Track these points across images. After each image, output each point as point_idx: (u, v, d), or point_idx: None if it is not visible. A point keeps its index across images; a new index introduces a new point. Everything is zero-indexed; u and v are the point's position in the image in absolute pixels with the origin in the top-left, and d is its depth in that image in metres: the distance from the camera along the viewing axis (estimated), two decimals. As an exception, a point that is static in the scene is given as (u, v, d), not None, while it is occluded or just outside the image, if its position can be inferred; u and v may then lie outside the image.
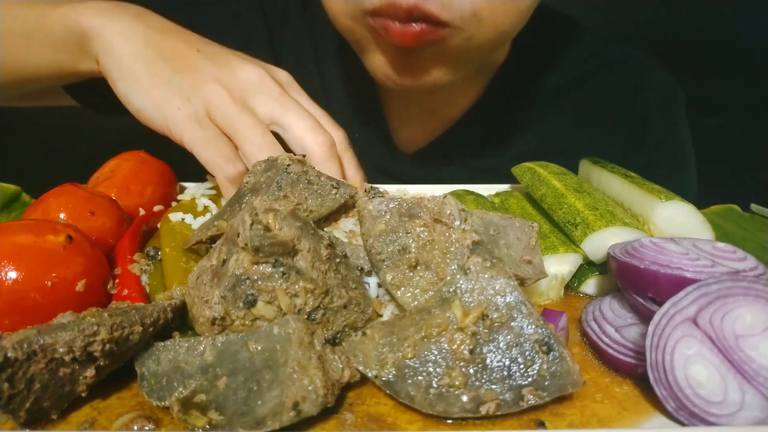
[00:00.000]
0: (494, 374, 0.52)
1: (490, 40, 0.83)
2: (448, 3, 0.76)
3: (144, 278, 0.66)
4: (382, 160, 1.17)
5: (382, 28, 0.80)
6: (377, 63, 0.89)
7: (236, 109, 0.77)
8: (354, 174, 0.86)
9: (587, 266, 0.73)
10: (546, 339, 0.53)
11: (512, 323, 0.54)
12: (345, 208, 0.74)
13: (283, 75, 0.85)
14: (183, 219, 0.75)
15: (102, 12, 0.81)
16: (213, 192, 0.84)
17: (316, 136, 0.78)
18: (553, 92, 1.15)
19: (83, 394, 0.50)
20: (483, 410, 0.50)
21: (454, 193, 0.90)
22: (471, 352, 0.53)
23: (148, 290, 0.65)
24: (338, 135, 0.84)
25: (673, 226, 0.72)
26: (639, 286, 0.59)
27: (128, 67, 0.78)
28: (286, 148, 0.80)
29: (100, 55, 0.80)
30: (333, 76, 1.14)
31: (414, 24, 0.77)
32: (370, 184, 0.84)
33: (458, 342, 0.53)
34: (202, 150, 0.75)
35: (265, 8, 1.13)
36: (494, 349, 0.53)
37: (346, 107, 1.14)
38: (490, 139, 1.15)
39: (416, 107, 1.14)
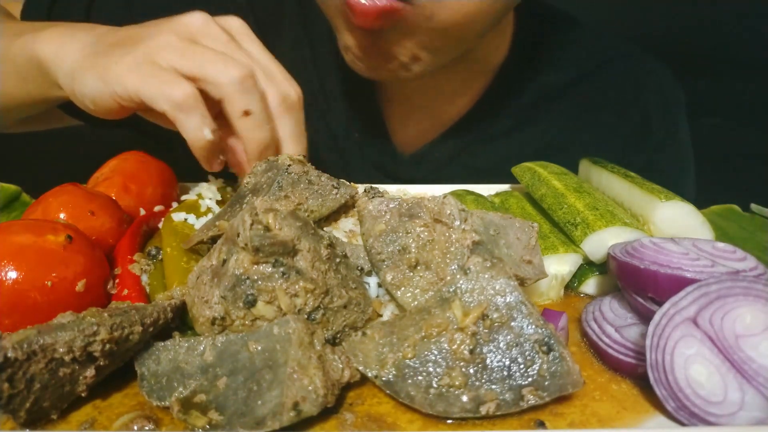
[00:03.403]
0: (494, 374, 0.52)
1: (456, 22, 0.81)
2: None
3: (144, 278, 0.66)
4: (381, 161, 1.16)
5: (345, 5, 0.78)
6: (347, 44, 0.88)
7: (187, 47, 0.71)
8: (290, 137, 0.77)
9: (587, 266, 0.73)
10: (546, 339, 0.53)
11: (512, 323, 0.54)
12: (345, 208, 0.74)
13: (235, 21, 0.79)
14: (186, 219, 0.75)
15: (56, 38, 0.78)
16: (218, 195, 0.84)
17: (229, 68, 0.70)
18: (554, 91, 1.14)
19: (83, 394, 0.51)
20: (483, 410, 0.50)
21: (454, 193, 0.90)
22: (471, 352, 0.53)
23: (148, 290, 0.65)
24: (288, 90, 0.76)
25: (673, 226, 0.72)
26: (639, 286, 0.59)
27: (72, 69, 0.75)
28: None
29: (59, 80, 0.77)
30: (330, 75, 1.13)
31: (377, 1, 0.75)
32: (369, 184, 0.84)
33: (458, 342, 0.53)
34: (142, 85, 0.69)
35: (254, 7, 1.11)
36: (494, 349, 0.53)
37: (345, 107, 1.13)
38: (489, 139, 1.14)
39: (414, 107, 1.13)
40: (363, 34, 0.83)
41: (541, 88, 1.13)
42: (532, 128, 1.14)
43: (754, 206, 0.90)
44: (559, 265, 0.70)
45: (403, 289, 0.60)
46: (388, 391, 0.52)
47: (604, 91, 1.15)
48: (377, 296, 0.64)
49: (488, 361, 0.53)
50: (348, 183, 0.75)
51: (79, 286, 0.57)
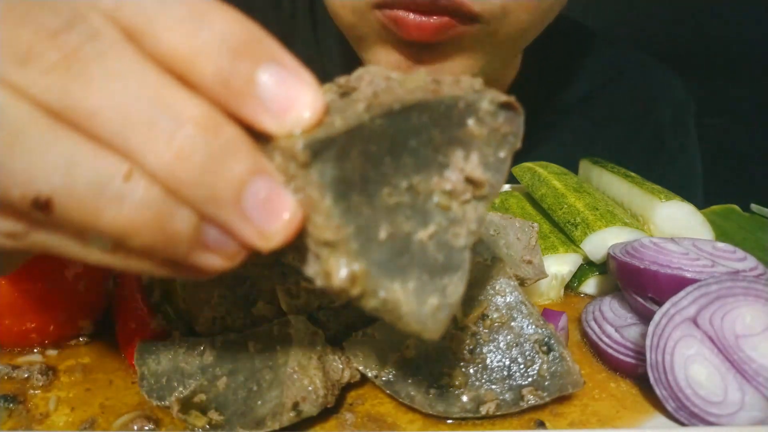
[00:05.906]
0: (494, 374, 0.52)
1: (511, 38, 0.76)
2: None
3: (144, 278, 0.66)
4: None
5: (393, 22, 0.70)
6: (383, 63, 0.80)
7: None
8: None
9: (587, 266, 0.73)
10: (546, 339, 0.53)
11: (512, 323, 0.54)
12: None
13: None
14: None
15: None
16: None
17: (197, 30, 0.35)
18: (567, 108, 1.11)
19: None
20: (483, 410, 0.50)
21: (454, 193, 0.90)
22: (471, 352, 0.53)
23: (148, 290, 0.65)
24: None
25: (673, 226, 0.72)
26: (639, 286, 0.59)
27: None
28: None
29: None
30: None
31: (433, 17, 0.68)
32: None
33: (458, 342, 0.53)
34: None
35: (279, 15, 1.08)
36: (494, 349, 0.53)
37: None
38: None
39: None
40: (408, 49, 0.75)
41: (554, 104, 1.10)
42: (544, 148, 1.10)
43: (754, 206, 0.90)
44: (559, 265, 0.70)
45: (403, 289, 0.60)
46: (388, 391, 0.52)
47: (617, 105, 1.12)
48: (377, 296, 0.64)
49: (488, 361, 0.53)
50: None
51: (80, 286, 0.57)
